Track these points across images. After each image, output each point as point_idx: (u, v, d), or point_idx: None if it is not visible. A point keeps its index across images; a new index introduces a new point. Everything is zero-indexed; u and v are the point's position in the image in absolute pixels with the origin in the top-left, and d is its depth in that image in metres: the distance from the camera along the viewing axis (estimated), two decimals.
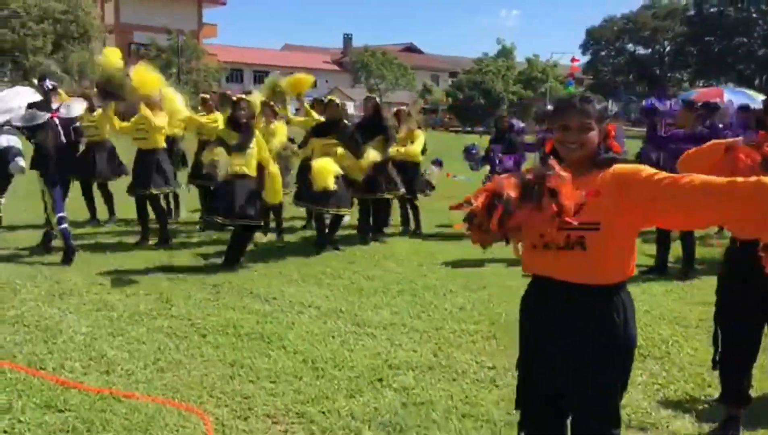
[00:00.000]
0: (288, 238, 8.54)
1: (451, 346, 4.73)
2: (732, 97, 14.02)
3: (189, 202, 9.82)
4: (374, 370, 4.25)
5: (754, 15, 60.84)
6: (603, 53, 69.25)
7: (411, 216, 9.18)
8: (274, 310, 5.48)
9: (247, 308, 5.49)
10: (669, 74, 68.58)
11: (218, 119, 8.02)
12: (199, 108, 8.98)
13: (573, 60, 23.91)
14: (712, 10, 63.09)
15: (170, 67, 48.87)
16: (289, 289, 6.13)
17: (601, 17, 75.84)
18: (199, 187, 8.89)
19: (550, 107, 9.35)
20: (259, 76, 67.48)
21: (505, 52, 61.54)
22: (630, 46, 69.66)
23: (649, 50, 69.43)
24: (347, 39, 75.26)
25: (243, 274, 6.59)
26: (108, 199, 9.25)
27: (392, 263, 7.27)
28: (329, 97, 8.54)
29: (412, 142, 8.83)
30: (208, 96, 9.03)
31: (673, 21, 65.33)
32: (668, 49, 68.52)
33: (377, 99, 8.42)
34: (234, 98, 7.18)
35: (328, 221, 7.99)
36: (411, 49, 76.09)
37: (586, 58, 71.88)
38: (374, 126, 8.03)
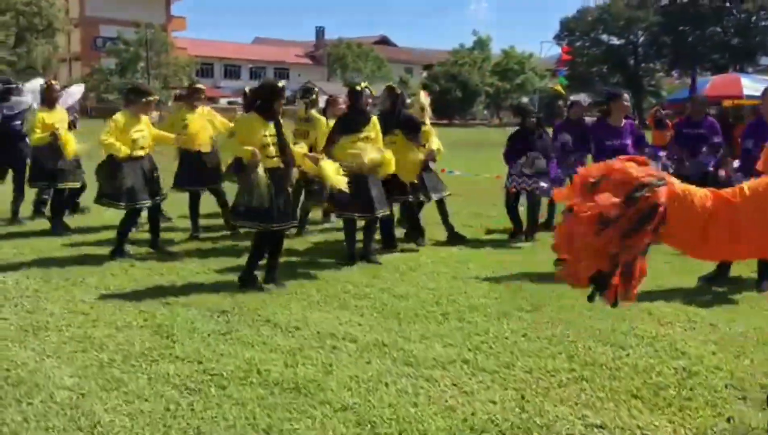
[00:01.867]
0: (291, 243, 7.48)
1: (535, 393, 3.78)
2: (750, 84, 13.35)
3: (176, 207, 8.76)
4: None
5: (727, 4, 60.97)
6: (578, 44, 68.86)
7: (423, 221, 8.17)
8: (302, 345, 4.47)
9: (269, 344, 4.48)
10: (643, 64, 68.56)
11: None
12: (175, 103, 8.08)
13: (563, 49, 23.19)
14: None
15: (138, 61, 47.32)
16: (312, 314, 5.13)
17: (575, 8, 75.19)
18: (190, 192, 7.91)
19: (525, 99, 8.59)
20: (230, 70, 66.03)
21: (481, 44, 60.79)
22: (605, 37, 69.42)
23: (624, 40, 69.27)
24: (320, 32, 73.94)
25: (252, 296, 5.57)
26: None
27: (422, 277, 6.30)
28: (363, 85, 7.38)
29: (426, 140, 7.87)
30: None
31: (647, 11, 65.19)
32: (642, 39, 68.43)
33: (397, 89, 7.41)
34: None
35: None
36: (384, 41, 75.02)
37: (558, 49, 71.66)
38: (393, 119, 7.09)
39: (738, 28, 59.98)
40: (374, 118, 6.79)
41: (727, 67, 61.82)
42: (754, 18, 58.72)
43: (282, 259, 6.76)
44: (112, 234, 7.18)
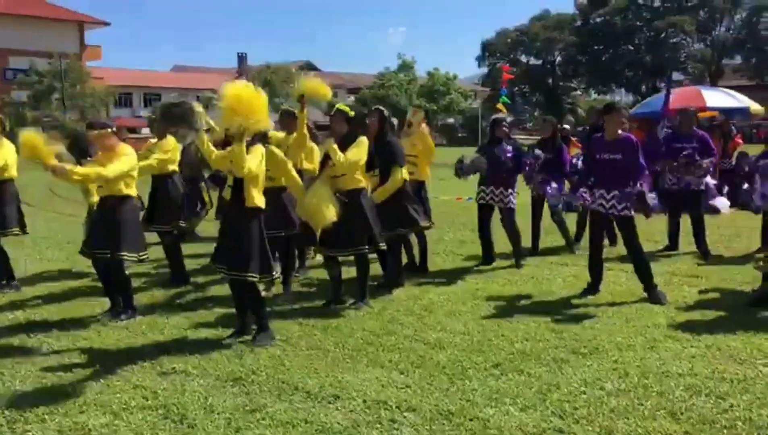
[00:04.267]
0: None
1: None
2: (710, 95, 13.40)
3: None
4: None
5: (638, 23, 63.41)
6: (498, 65, 70.23)
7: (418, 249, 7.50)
8: (355, 421, 3.66)
9: (313, 422, 3.64)
10: (562, 83, 70.51)
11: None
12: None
13: (504, 68, 23.11)
14: (598, 20, 65.35)
15: (53, 93, 44.86)
16: (344, 375, 4.32)
17: (493, 30, 76.85)
18: None
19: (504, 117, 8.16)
20: (150, 99, 63.74)
21: (406, 66, 61.00)
22: (524, 58, 71.12)
23: (542, 61, 71.15)
24: (242, 58, 72.53)
25: (264, 356, 4.71)
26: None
27: (444, 319, 5.58)
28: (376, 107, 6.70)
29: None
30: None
31: (563, 32, 67.20)
32: (559, 59, 70.45)
33: (383, 111, 6.61)
34: None
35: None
36: (309, 66, 74.35)
37: (482, 70, 72.95)
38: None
39: (649, 45, 62.41)
40: (362, 139, 5.90)
41: (640, 84, 64.31)
42: (663, 35, 61.22)
43: (271, 308, 5.96)
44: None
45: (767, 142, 7.72)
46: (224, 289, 6.66)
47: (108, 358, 4.74)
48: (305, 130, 6.52)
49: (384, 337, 5.11)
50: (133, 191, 5.69)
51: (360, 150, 5.78)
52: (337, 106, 5.97)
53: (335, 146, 5.65)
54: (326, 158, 5.94)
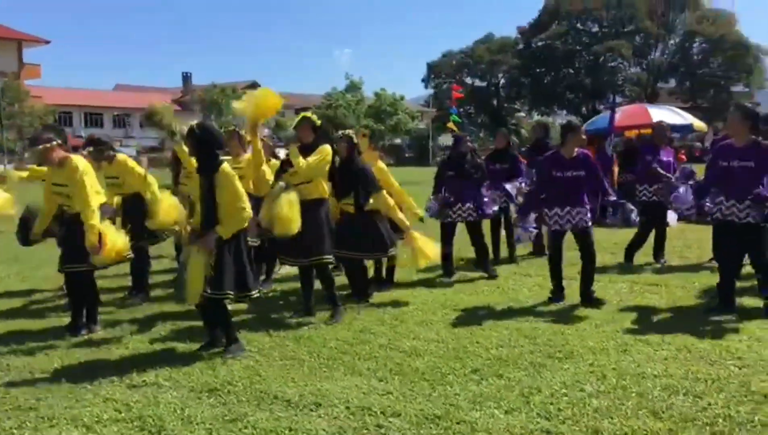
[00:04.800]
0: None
1: None
2: (657, 112, 13.84)
3: None
4: None
5: (578, 48, 65.26)
6: (444, 86, 71.20)
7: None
8: (341, 427, 3.58)
9: (298, 430, 3.55)
10: (506, 104, 71.88)
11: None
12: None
13: (454, 87, 23.40)
14: (539, 43, 67.01)
15: None
16: (323, 384, 4.24)
17: (439, 52, 78.02)
18: None
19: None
20: (91, 118, 62.31)
21: (354, 87, 61.22)
22: (469, 79, 72.24)
23: (486, 83, 72.43)
24: (186, 78, 71.63)
25: (237, 367, 4.59)
26: None
27: (416, 328, 5.53)
28: (353, 132, 6.68)
29: None
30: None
31: (506, 55, 68.62)
32: (503, 81, 71.88)
33: (353, 137, 6.50)
34: None
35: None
36: (255, 86, 73.84)
37: (429, 92, 73.78)
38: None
39: (588, 69, 64.21)
40: (326, 149, 5.83)
41: (580, 105, 66.09)
42: (602, 59, 63.10)
43: (238, 318, 5.84)
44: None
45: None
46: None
47: (73, 372, 4.54)
48: (260, 149, 6.36)
49: (358, 346, 5.04)
50: (101, 198, 5.48)
51: (322, 157, 5.74)
52: (303, 114, 5.91)
53: (296, 150, 5.60)
54: (285, 165, 5.88)
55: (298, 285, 7.15)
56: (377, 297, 6.63)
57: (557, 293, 6.39)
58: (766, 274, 5.71)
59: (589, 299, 6.20)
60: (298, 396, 4.02)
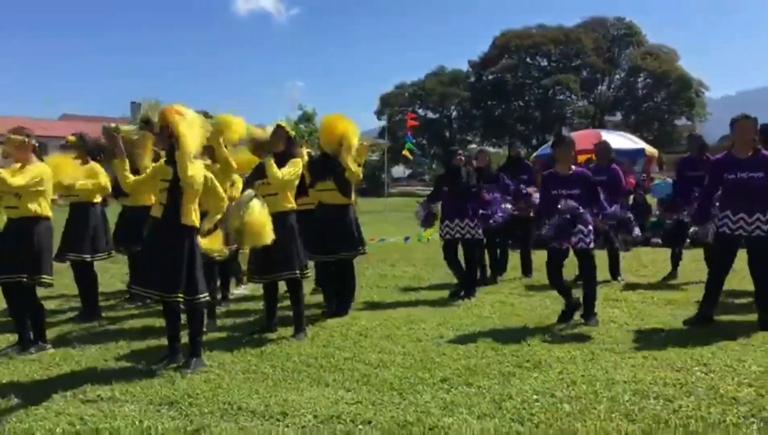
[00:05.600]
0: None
1: None
2: (610, 138, 14.14)
3: None
4: None
5: (528, 81, 66.82)
6: (397, 118, 71.85)
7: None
8: None
9: None
10: (458, 136, 72.83)
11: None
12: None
13: (408, 115, 23.57)
14: (490, 77, 68.40)
15: None
16: (289, 395, 4.09)
17: (391, 85, 78.80)
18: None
19: None
20: (38, 148, 60.78)
21: (307, 117, 61.25)
22: (421, 111, 73.07)
23: (439, 114, 73.38)
24: (135, 106, 70.76)
25: (198, 381, 4.41)
26: None
27: (381, 341, 5.42)
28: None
29: None
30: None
31: (458, 87, 69.77)
32: (455, 113, 72.95)
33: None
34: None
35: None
36: (205, 115, 73.32)
37: (382, 123, 74.30)
38: (325, 165, 6.32)
39: (538, 102, 65.71)
40: (295, 161, 5.74)
41: (531, 137, 67.45)
42: (551, 92, 64.69)
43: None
44: None
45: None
46: (141, 322, 6.30)
47: (22, 389, 4.29)
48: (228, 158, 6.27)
49: (323, 360, 4.91)
50: (48, 212, 5.28)
51: (295, 169, 5.65)
52: (278, 123, 5.80)
53: (272, 161, 5.49)
54: (254, 177, 5.77)
55: (253, 305, 7.05)
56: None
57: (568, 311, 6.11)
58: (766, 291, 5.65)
59: (586, 319, 5.97)
60: (263, 407, 3.87)
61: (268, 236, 5.30)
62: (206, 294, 4.83)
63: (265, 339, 5.58)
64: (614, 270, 8.38)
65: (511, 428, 3.51)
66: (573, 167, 6.18)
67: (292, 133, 5.82)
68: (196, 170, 4.66)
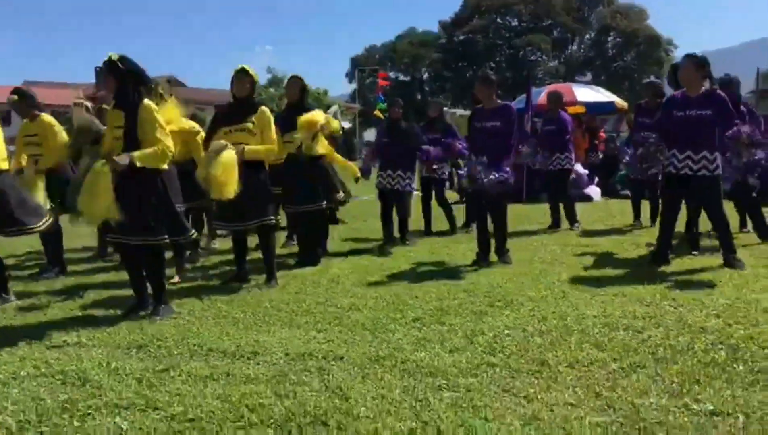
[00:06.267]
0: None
1: (604, 387, 3.12)
2: (581, 91, 14.20)
3: None
4: None
5: (499, 42, 66.54)
6: (368, 81, 71.23)
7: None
8: (282, 370, 3.41)
9: (236, 375, 3.36)
10: (429, 98, 72.45)
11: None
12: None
13: (379, 75, 23.32)
14: (461, 37, 67.94)
15: None
16: (260, 337, 4.05)
17: (362, 47, 77.91)
18: None
19: None
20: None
21: (276, 81, 60.44)
22: (392, 74, 72.47)
23: (410, 77, 72.89)
24: (100, 72, 69.12)
25: (168, 326, 4.34)
26: None
27: (353, 288, 5.40)
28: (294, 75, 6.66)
29: None
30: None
31: (429, 49, 69.26)
32: (426, 75, 72.51)
33: (303, 80, 6.53)
34: None
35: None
36: (172, 81, 71.99)
37: (353, 86, 73.64)
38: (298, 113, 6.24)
39: (509, 62, 65.54)
40: (263, 108, 5.65)
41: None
42: (522, 53, 64.54)
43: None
44: None
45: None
46: (108, 276, 6.20)
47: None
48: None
49: (294, 305, 4.87)
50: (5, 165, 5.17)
51: (273, 126, 5.60)
52: (241, 66, 5.64)
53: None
54: (214, 126, 5.66)
55: (223, 258, 6.98)
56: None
57: (482, 256, 6.33)
58: (723, 230, 5.73)
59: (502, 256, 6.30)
60: (234, 347, 3.83)
61: (232, 190, 5.16)
62: (161, 237, 4.68)
63: (235, 287, 5.52)
64: (570, 216, 8.48)
65: (482, 359, 3.51)
66: (498, 101, 6.37)
67: (256, 76, 5.64)
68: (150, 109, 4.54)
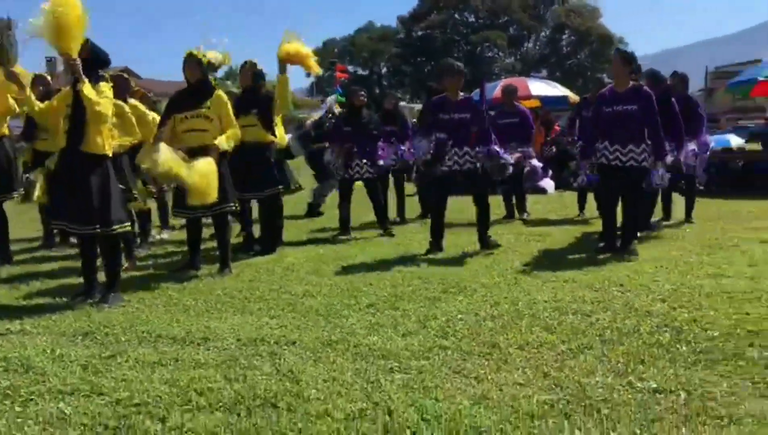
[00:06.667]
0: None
1: (552, 367, 3.17)
2: (535, 85, 14.38)
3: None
4: None
5: (456, 38, 66.95)
6: (327, 74, 70.78)
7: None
8: (233, 355, 3.38)
9: (185, 360, 3.32)
10: (388, 93, 72.57)
11: None
12: None
13: (338, 68, 23.25)
14: (420, 33, 68.13)
15: None
16: (211, 323, 4.00)
17: (320, 41, 77.48)
18: None
19: None
20: None
21: (234, 74, 59.64)
22: (351, 68, 72.24)
23: (369, 71, 72.78)
24: (50, 62, 67.36)
25: (116, 314, 4.26)
26: None
27: (307, 276, 5.37)
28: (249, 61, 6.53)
29: None
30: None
31: (387, 43, 69.28)
32: (385, 70, 72.52)
33: (256, 65, 6.44)
34: None
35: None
36: (127, 72, 70.61)
37: (310, 80, 73.22)
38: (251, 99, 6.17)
39: (467, 58, 65.91)
40: (219, 93, 5.60)
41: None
42: (479, 49, 65.04)
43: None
44: None
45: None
46: (55, 265, 6.05)
47: None
48: None
49: (247, 292, 4.82)
50: None
51: (230, 109, 5.53)
52: (188, 51, 5.56)
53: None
54: (168, 112, 5.59)
55: (175, 248, 6.87)
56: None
57: (436, 244, 6.34)
58: (633, 220, 5.92)
59: (485, 243, 6.31)
60: (184, 333, 3.78)
61: (214, 195, 5.18)
62: (125, 224, 4.64)
63: (187, 276, 5.44)
64: (520, 206, 8.61)
65: (435, 342, 3.53)
66: (461, 93, 6.41)
67: (205, 59, 5.54)
68: (96, 93, 4.42)
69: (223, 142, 5.42)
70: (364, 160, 7.40)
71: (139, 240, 6.78)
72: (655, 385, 2.86)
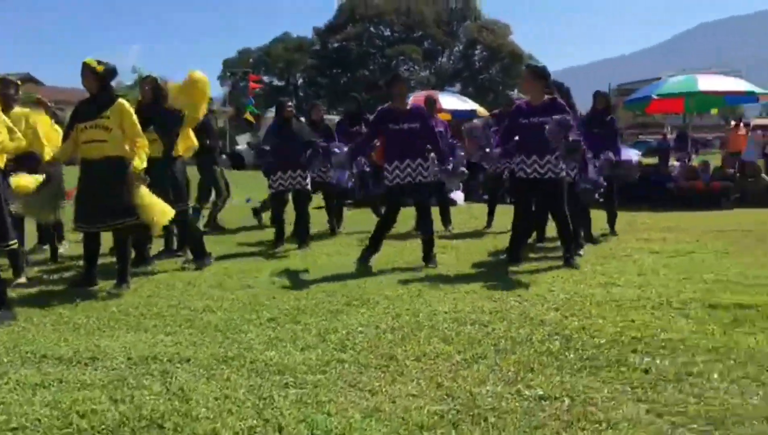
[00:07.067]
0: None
1: (446, 378, 3.22)
2: (446, 99, 14.65)
3: None
4: None
5: (372, 50, 67.53)
6: (241, 84, 69.96)
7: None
8: (122, 375, 3.26)
9: (70, 382, 3.18)
10: (305, 104, 72.23)
11: None
12: None
13: (251, 78, 22.97)
14: (336, 45, 68.36)
15: None
16: (101, 342, 3.85)
17: (235, 50, 76.56)
18: None
19: None
20: None
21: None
22: (267, 78, 71.61)
23: (284, 82, 72.37)
24: None
25: (2, 332, 4.05)
26: None
27: (209, 290, 5.25)
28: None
29: None
30: None
31: (303, 54, 69.12)
32: (301, 81, 72.31)
33: (158, 79, 6.26)
34: None
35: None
36: (29, 79, 67.39)
37: (225, 89, 72.08)
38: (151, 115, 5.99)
39: (383, 71, 66.47)
40: (120, 102, 5.38)
41: (376, 105, 68.33)
42: (394, 62, 65.79)
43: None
44: None
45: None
46: None
47: None
48: None
49: (144, 308, 4.68)
50: None
51: (134, 118, 5.36)
52: (84, 61, 5.35)
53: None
54: (72, 122, 5.40)
55: (70, 263, 6.61)
56: (164, 265, 6.26)
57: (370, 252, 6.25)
58: (566, 230, 6.06)
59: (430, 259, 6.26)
60: (71, 353, 3.62)
61: (168, 208, 5.46)
62: (13, 242, 4.45)
63: (82, 292, 5.22)
64: (443, 220, 8.74)
65: (333, 356, 3.52)
66: (411, 103, 6.50)
67: (100, 68, 5.35)
68: None
69: (138, 164, 5.31)
70: (298, 172, 7.31)
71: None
72: (541, 392, 2.95)
